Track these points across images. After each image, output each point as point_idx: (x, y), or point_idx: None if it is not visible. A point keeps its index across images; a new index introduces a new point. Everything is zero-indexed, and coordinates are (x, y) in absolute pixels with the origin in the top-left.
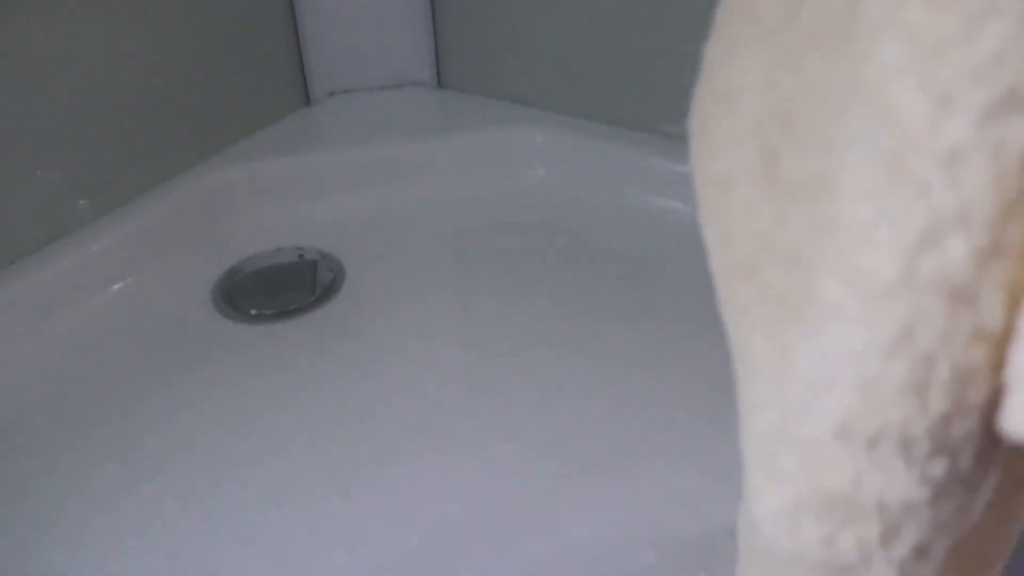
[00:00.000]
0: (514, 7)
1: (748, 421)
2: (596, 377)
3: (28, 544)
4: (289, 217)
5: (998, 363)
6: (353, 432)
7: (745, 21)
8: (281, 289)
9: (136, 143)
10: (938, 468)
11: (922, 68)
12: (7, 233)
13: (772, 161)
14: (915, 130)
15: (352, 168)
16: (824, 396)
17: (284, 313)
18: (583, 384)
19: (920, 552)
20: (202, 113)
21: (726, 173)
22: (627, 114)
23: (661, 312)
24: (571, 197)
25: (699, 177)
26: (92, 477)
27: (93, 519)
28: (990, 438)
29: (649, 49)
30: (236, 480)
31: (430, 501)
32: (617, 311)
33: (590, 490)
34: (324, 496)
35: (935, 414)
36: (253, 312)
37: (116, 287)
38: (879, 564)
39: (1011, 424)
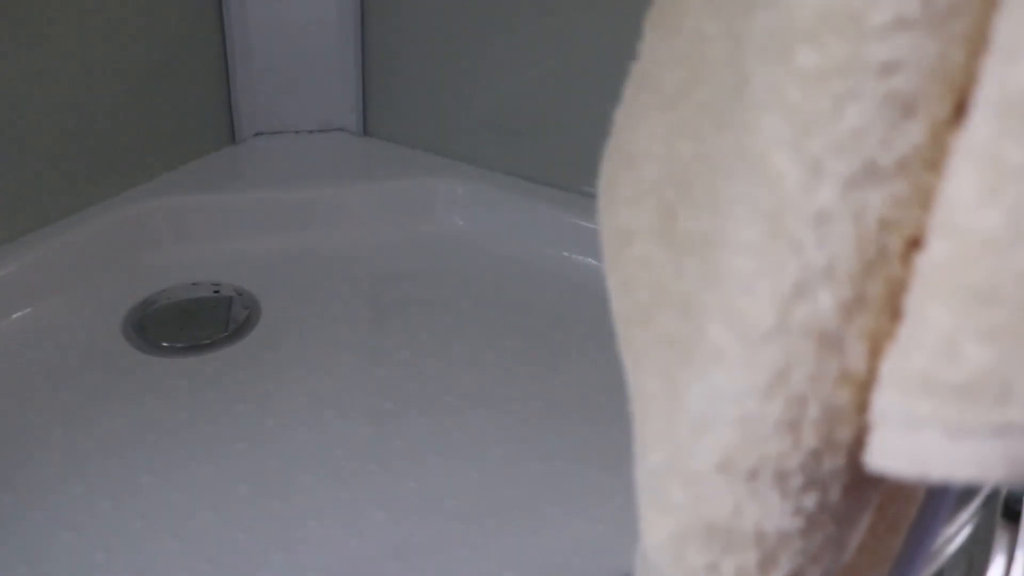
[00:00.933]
0: (442, 63)
1: (641, 458)
2: (502, 425)
3: None
4: (208, 252)
5: (862, 405)
6: (258, 466)
7: (651, 91)
8: (195, 323)
9: (54, 169)
10: (810, 500)
11: (797, 140)
12: None
13: (670, 217)
14: (790, 193)
15: (274, 208)
16: (708, 432)
17: (196, 347)
18: (490, 431)
19: None
20: (126, 143)
21: (628, 227)
22: (547, 172)
23: (569, 365)
24: (488, 250)
25: (604, 230)
26: None
27: None
28: (857, 474)
29: (570, 111)
30: (134, 510)
31: (334, 537)
32: (527, 362)
33: (493, 533)
34: (225, 529)
35: (807, 450)
36: (164, 344)
37: (24, 312)
38: None
39: (873, 460)
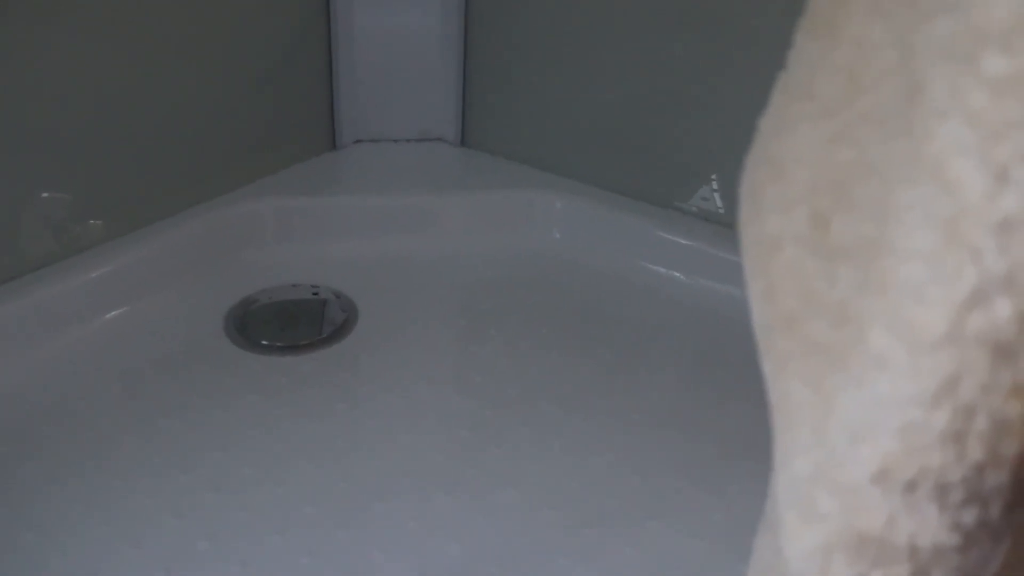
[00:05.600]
0: (544, 76)
1: (784, 465)
2: (600, 436)
3: (27, 551)
4: (307, 255)
5: None
6: (357, 467)
7: (803, 99)
8: (293, 324)
9: (162, 168)
10: (969, 516)
11: (981, 147)
12: (17, 246)
13: (822, 225)
14: (971, 200)
15: (372, 214)
16: (865, 441)
17: (295, 347)
18: (588, 442)
19: None
20: (231, 146)
21: (775, 234)
22: (643, 188)
23: (663, 380)
24: (584, 263)
25: (747, 237)
26: (96, 490)
27: (92, 529)
28: (1020, 492)
29: (670, 129)
30: (237, 502)
31: (433, 539)
32: (623, 374)
33: (590, 544)
34: (325, 526)
35: (971, 463)
36: (264, 342)
37: (133, 305)
38: None
39: None
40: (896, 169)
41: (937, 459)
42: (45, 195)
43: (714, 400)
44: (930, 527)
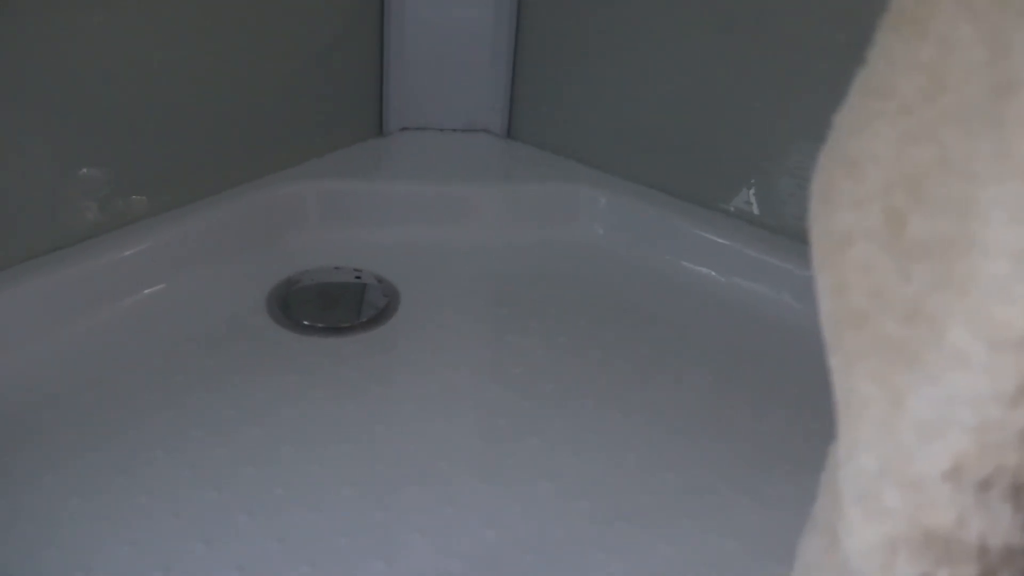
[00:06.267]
0: (592, 72)
1: (849, 460)
2: (637, 432)
3: (72, 513)
4: (351, 239)
5: None
6: (396, 449)
7: (882, 96)
8: (335, 306)
9: (209, 147)
10: None
11: None
12: (61, 218)
13: (897, 222)
14: None
15: (417, 201)
16: (938, 438)
17: (336, 329)
18: (624, 437)
19: None
20: (279, 127)
21: (847, 230)
22: (687, 187)
23: (702, 379)
24: (626, 259)
25: (817, 232)
26: (136, 461)
27: (132, 497)
28: None
29: (714, 131)
30: (276, 478)
31: (469, 526)
32: (661, 371)
33: (624, 537)
34: (363, 507)
35: None
36: (306, 323)
37: (178, 280)
38: None
39: None
40: (981, 167)
41: (1013, 458)
42: (88, 170)
43: (750, 400)
44: (1002, 527)
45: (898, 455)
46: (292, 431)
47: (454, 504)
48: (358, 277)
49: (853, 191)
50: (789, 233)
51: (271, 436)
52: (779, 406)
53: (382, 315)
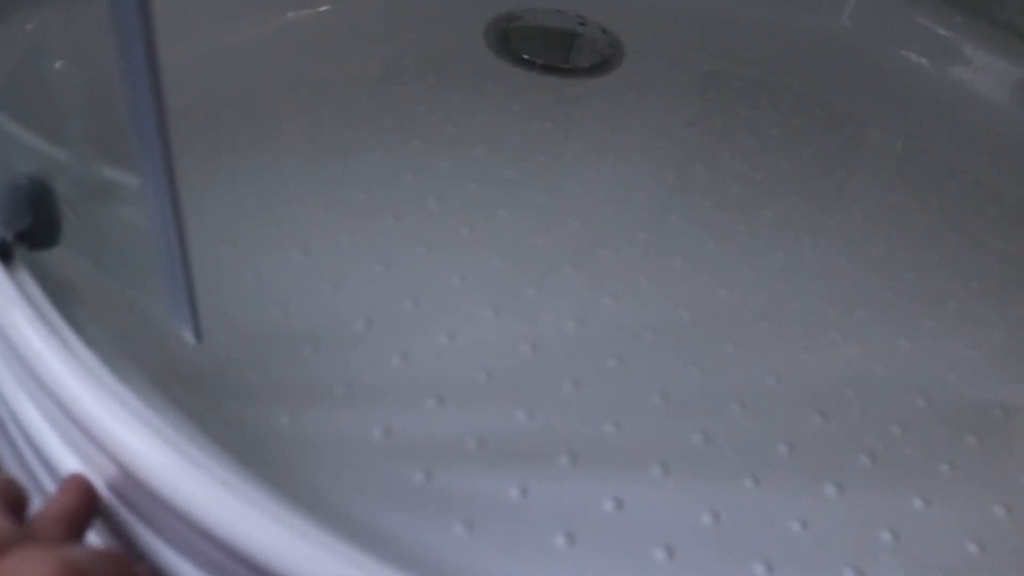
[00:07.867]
0: None
1: None
2: (876, 226)
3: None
4: None
5: None
6: (624, 190)
7: None
8: (555, 47)
9: None
10: None
11: None
12: None
13: None
14: None
15: None
16: None
17: (557, 69)
18: (864, 228)
19: None
20: None
21: None
22: None
23: (958, 183)
24: (872, 54)
25: None
26: (359, 164)
27: (362, 205)
28: None
29: None
30: (501, 201)
31: (700, 280)
32: (905, 172)
33: (862, 326)
34: (626, 222)
35: None
36: (525, 57)
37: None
38: None
39: None
40: None
41: None
42: None
43: (1008, 216)
44: None
45: None
46: (516, 160)
47: (685, 258)
48: (582, 23)
49: None
50: None
51: (496, 160)
52: None
53: (604, 66)
